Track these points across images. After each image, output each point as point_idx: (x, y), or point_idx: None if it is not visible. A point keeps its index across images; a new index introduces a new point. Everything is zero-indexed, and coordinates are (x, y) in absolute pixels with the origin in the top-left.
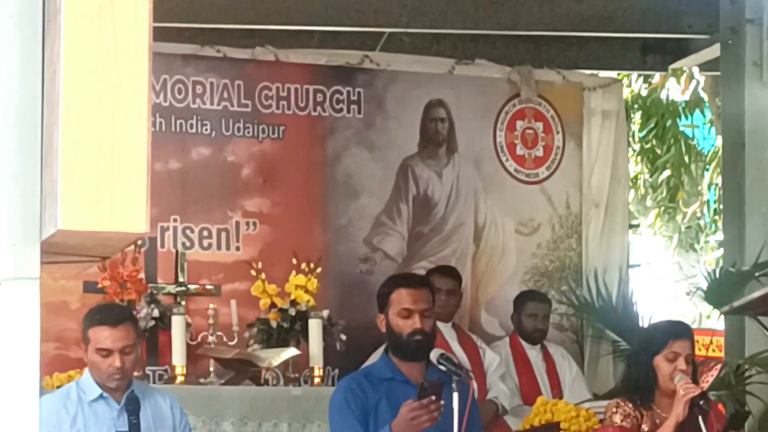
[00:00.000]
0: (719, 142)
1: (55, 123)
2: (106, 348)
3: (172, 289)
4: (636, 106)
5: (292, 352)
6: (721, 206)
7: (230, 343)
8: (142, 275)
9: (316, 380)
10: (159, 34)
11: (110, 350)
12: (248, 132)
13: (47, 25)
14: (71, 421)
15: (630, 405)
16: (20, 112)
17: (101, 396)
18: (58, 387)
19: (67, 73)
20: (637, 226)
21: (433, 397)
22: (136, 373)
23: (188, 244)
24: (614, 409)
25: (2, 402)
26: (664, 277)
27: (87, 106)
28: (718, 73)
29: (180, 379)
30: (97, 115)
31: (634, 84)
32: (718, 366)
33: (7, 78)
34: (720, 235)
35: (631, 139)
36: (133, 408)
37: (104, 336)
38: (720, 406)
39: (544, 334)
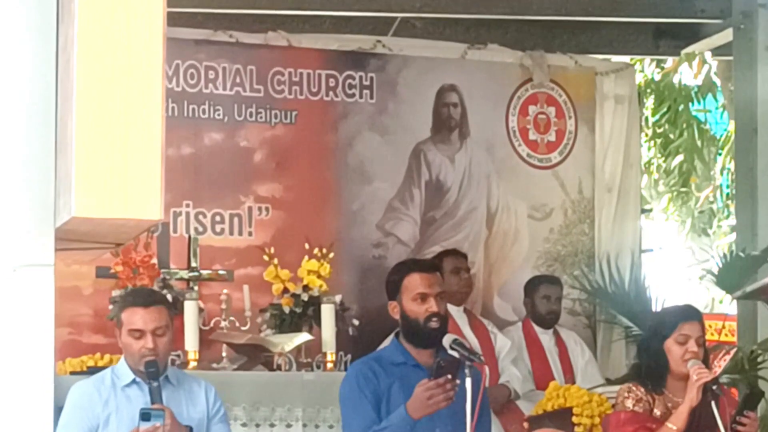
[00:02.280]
0: (732, 126)
1: (69, 111)
2: (138, 329)
3: (185, 274)
4: (648, 90)
5: (304, 337)
6: (734, 191)
7: (243, 328)
8: (154, 260)
9: (329, 365)
10: (171, 19)
11: (142, 331)
12: (261, 117)
13: (61, 13)
14: (103, 404)
15: (642, 389)
16: (34, 100)
17: (134, 381)
18: (71, 372)
19: (81, 61)
20: (650, 210)
21: (449, 376)
22: None
23: (201, 229)
24: (626, 394)
25: (18, 386)
26: (677, 262)
27: (101, 93)
28: (731, 58)
29: (193, 364)
30: (111, 102)
31: (646, 69)
32: (731, 351)
33: (21, 65)
34: (732, 220)
35: (643, 123)
36: (155, 394)
37: (137, 317)
38: (733, 391)
39: (557, 316)
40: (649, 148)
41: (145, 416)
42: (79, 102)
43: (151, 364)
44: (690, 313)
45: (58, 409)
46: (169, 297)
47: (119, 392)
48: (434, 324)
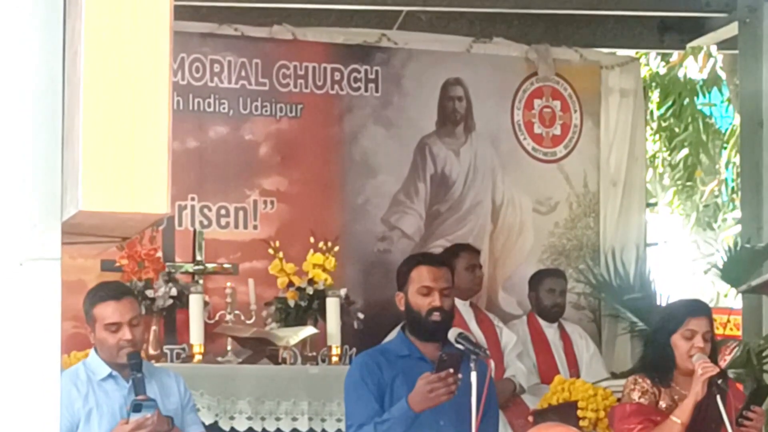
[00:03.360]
0: (737, 120)
1: (77, 104)
2: (114, 322)
3: (190, 267)
4: (654, 84)
5: (309, 330)
6: (739, 184)
7: (248, 322)
8: (159, 254)
9: (334, 359)
10: (176, 13)
11: (119, 323)
12: (266, 110)
13: (68, 6)
14: (83, 400)
15: (648, 382)
16: (41, 93)
17: (110, 375)
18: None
19: (88, 54)
20: (655, 204)
21: (451, 370)
22: (152, 351)
23: (206, 222)
24: (632, 386)
25: (24, 381)
26: (682, 256)
27: (108, 87)
28: (736, 52)
29: (198, 357)
30: (118, 96)
31: (652, 62)
32: (737, 345)
33: (28, 59)
34: (737, 214)
35: (648, 117)
36: (139, 386)
37: (110, 310)
38: (738, 385)
39: (562, 309)
40: (654, 142)
41: (136, 407)
42: (86, 96)
43: (134, 355)
44: (698, 308)
45: None
46: (174, 291)
47: (96, 387)
48: (435, 318)
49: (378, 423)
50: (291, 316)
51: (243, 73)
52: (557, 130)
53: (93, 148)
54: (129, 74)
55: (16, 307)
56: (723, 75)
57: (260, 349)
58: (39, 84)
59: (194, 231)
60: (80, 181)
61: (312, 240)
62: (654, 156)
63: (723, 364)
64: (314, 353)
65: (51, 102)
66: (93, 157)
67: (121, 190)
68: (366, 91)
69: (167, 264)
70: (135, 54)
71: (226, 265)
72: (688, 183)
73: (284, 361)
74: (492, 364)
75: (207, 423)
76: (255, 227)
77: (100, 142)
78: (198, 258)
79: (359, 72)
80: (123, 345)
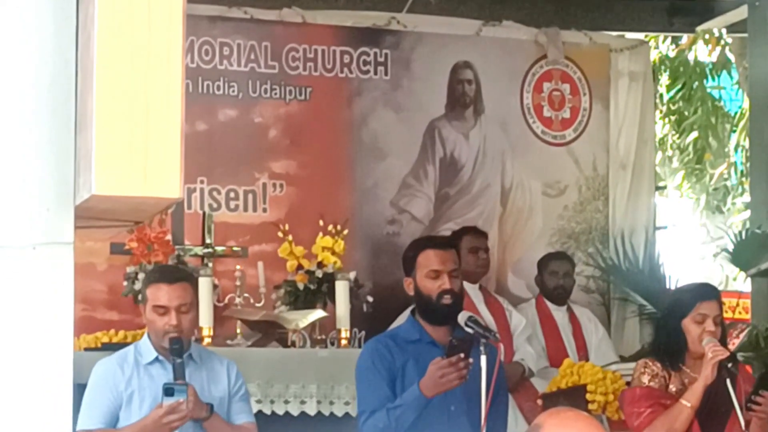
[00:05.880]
0: (746, 103)
1: (89, 89)
2: (162, 305)
3: (199, 250)
4: (663, 67)
5: (318, 313)
6: (748, 168)
7: (257, 305)
8: (169, 237)
9: (343, 342)
10: None
11: (167, 307)
12: (275, 93)
13: None
14: (126, 382)
15: (658, 365)
16: (54, 78)
17: (156, 359)
18: (85, 349)
19: (101, 39)
20: (664, 187)
21: (462, 355)
22: None
23: (215, 205)
24: (642, 369)
25: (38, 364)
26: (691, 239)
27: (121, 71)
28: (746, 35)
29: (207, 340)
30: (131, 80)
31: (661, 45)
32: (746, 329)
33: (41, 43)
34: (747, 197)
35: (658, 100)
36: (179, 371)
37: (161, 293)
38: (748, 368)
39: (567, 292)
40: (664, 125)
41: (168, 391)
42: (99, 80)
43: (176, 341)
44: (708, 292)
45: (78, 386)
46: None
47: (142, 370)
48: (446, 300)
49: (390, 409)
50: (300, 300)
51: (252, 56)
52: (566, 114)
53: (106, 133)
54: (142, 60)
55: (29, 291)
56: (732, 58)
57: (269, 332)
58: (52, 69)
59: (204, 214)
60: (93, 166)
61: (321, 223)
62: (663, 139)
63: (732, 347)
64: (323, 336)
65: (64, 87)
66: (106, 141)
67: (133, 174)
68: (375, 74)
69: (176, 247)
70: (148, 39)
71: (235, 248)
72: (698, 166)
73: (293, 345)
74: (502, 347)
75: None
76: (264, 210)
77: (112, 126)
78: (207, 241)
79: (368, 55)
80: (168, 330)
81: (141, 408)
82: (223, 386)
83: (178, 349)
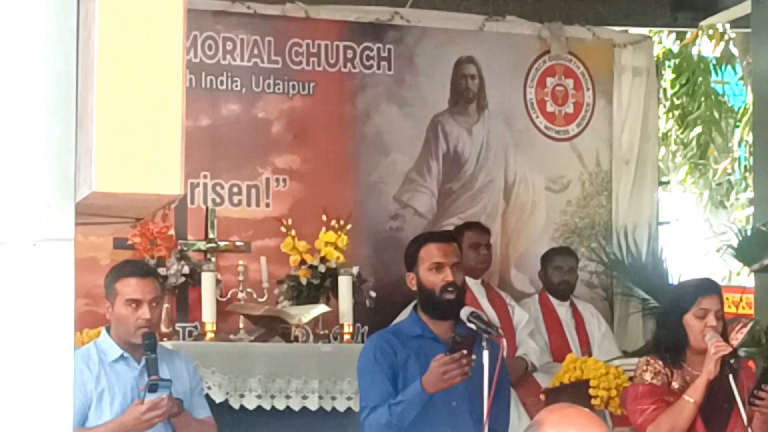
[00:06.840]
0: (750, 98)
1: (90, 85)
2: (136, 298)
3: (202, 245)
4: (667, 62)
5: (321, 308)
6: (752, 163)
7: (260, 300)
8: (172, 232)
9: (346, 337)
10: None
11: (140, 301)
12: (278, 88)
13: None
14: (95, 380)
15: (660, 362)
16: (55, 74)
17: (122, 356)
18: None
19: (102, 35)
20: (667, 182)
21: (465, 351)
22: (165, 329)
23: (218, 200)
24: (644, 367)
25: (38, 361)
26: (694, 234)
27: (121, 67)
28: (749, 30)
29: (210, 335)
30: (132, 76)
31: (665, 40)
32: (749, 324)
33: (42, 39)
34: (750, 193)
35: (661, 95)
36: (152, 366)
37: (134, 287)
38: (750, 364)
39: (571, 287)
40: (667, 120)
41: (152, 387)
42: (100, 76)
43: (149, 335)
44: (709, 287)
45: None
46: (186, 268)
47: (107, 368)
48: (450, 295)
49: (392, 404)
50: (303, 294)
51: (255, 51)
52: (570, 109)
53: (106, 129)
54: (142, 55)
55: (30, 288)
56: (736, 53)
57: (272, 327)
58: (52, 65)
59: (207, 209)
60: (94, 162)
61: (324, 218)
62: (667, 134)
63: (734, 342)
64: (326, 331)
65: (64, 83)
66: (106, 137)
67: (134, 170)
68: (379, 69)
69: (179, 242)
70: (149, 35)
71: (238, 243)
72: (701, 161)
73: (296, 339)
74: (504, 343)
75: (217, 401)
76: (267, 205)
77: (113, 122)
78: (210, 236)
79: (372, 50)
80: (140, 324)
81: (112, 406)
82: (185, 382)
83: (151, 344)
